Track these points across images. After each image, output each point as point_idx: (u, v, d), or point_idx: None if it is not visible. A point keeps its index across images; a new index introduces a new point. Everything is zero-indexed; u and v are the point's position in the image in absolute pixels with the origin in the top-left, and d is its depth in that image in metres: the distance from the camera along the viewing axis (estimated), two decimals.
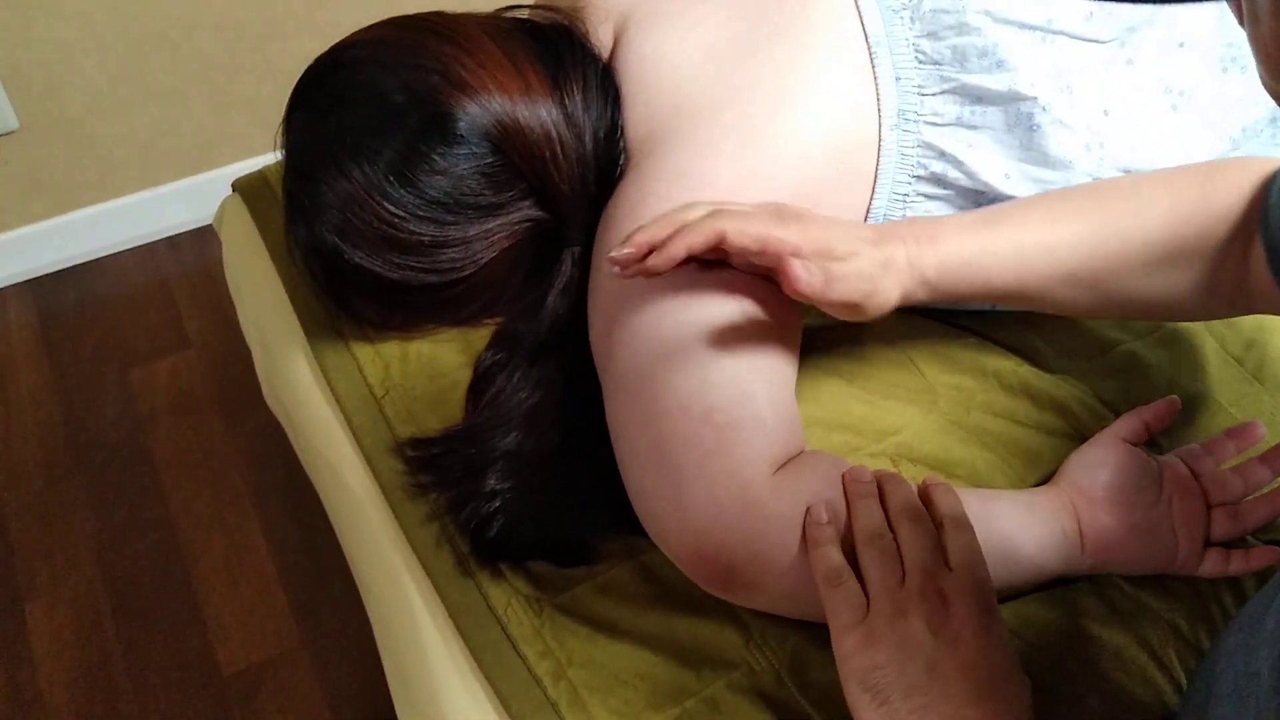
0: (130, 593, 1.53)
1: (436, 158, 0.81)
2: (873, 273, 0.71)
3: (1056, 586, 0.77)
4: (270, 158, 1.98)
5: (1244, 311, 0.77)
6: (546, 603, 0.78)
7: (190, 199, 2.00)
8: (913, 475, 0.81)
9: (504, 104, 0.83)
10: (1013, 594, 0.76)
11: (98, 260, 2.00)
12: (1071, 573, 0.77)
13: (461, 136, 0.81)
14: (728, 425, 0.71)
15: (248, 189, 1.09)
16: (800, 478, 0.72)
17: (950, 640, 0.63)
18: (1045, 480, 0.81)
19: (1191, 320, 0.89)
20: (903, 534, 0.69)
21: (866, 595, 0.67)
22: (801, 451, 0.75)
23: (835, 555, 0.68)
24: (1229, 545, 0.77)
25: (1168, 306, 0.76)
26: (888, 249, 0.72)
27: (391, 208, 0.81)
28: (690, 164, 0.80)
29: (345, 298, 0.90)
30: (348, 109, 0.83)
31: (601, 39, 0.89)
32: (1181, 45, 0.85)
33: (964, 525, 0.69)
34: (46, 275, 1.98)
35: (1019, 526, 0.74)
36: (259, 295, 1.02)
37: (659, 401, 0.73)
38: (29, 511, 1.64)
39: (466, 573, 0.80)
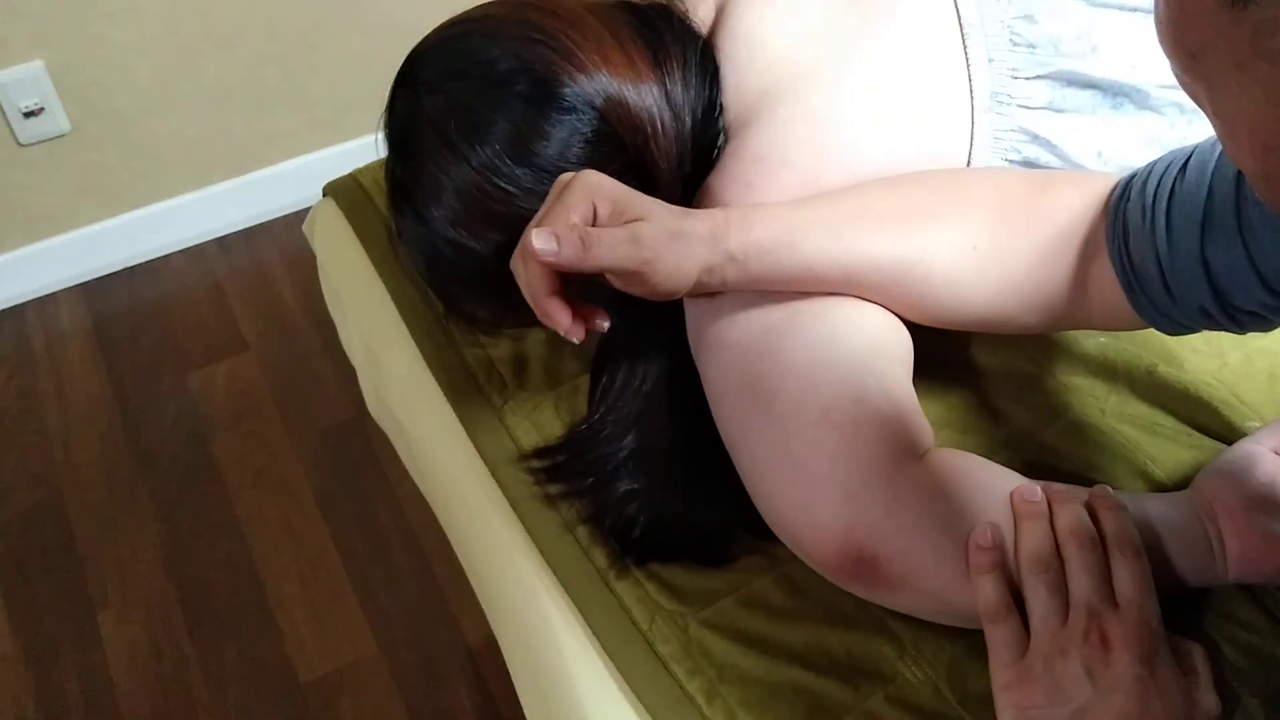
0: (202, 601, 1.52)
1: (548, 126, 0.79)
2: (654, 239, 0.70)
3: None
4: (320, 155, 1.98)
5: (1072, 326, 0.78)
6: (690, 617, 0.76)
7: (240, 199, 1.98)
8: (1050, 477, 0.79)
9: (609, 76, 0.81)
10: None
11: (149, 262, 1.99)
12: (1211, 584, 0.74)
13: (571, 105, 0.80)
14: (847, 423, 0.70)
15: (340, 193, 1.07)
16: (943, 474, 0.70)
17: (1108, 688, 0.62)
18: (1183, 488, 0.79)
19: (1017, 332, 0.84)
20: (1071, 564, 0.67)
21: (1027, 627, 0.65)
22: (934, 446, 0.74)
23: (999, 588, 0.67)
24: None
25: (983, 314, 0.76)
26: (688, 221, 0.72)
27: (504, 184, 0.79)
28: (767, 146, 0.79)
29: (454, 293, 0.88)
30: (454, 81, 0.81)
31: (702, 16, 0.88)
32: None
33: (1133, 551, 0.67)
34: (98, 278, 1.97)
35: (1168, 530, 0.72)
36: (362, 304, 1.00)
37: (771, 408, 0.72)
38: (93, 520, 1.62)
39: (606, 588, 0.78)
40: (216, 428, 1.73)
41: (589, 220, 0.72)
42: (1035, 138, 0.82)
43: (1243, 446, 0.77)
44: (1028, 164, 0.83)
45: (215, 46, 1.80)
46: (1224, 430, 0.83)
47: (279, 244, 2.00)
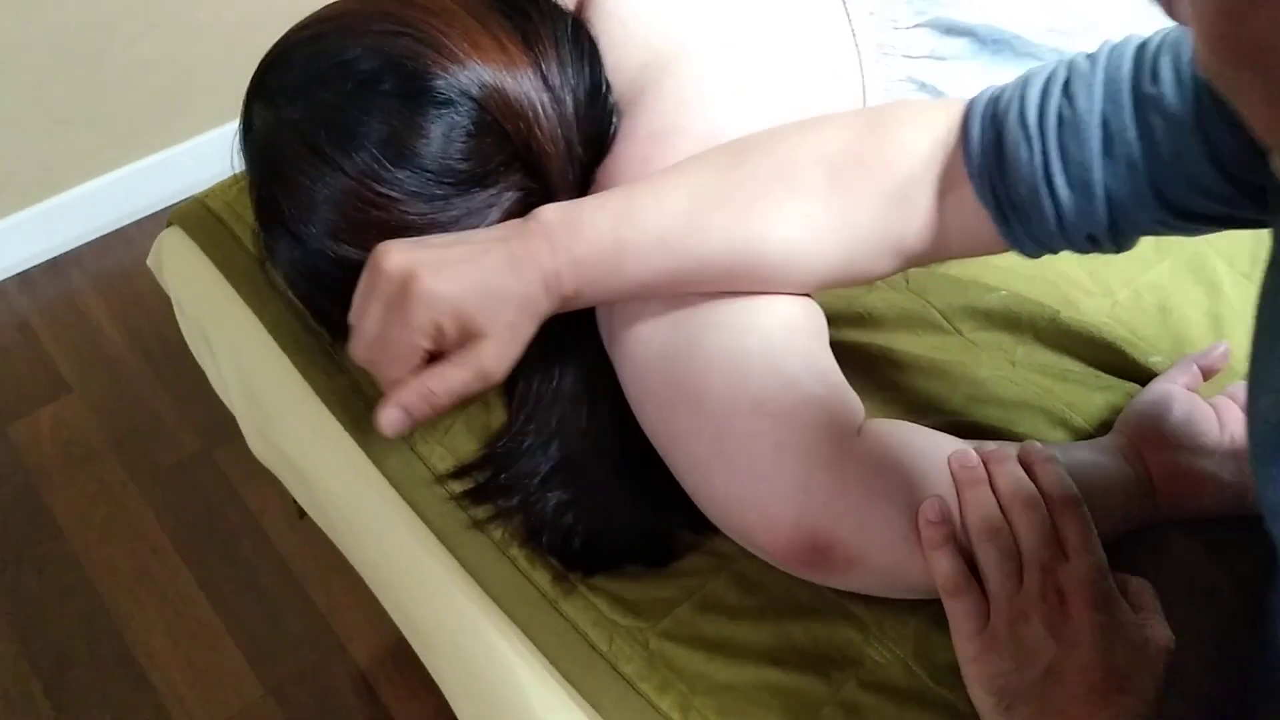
0: (63, 671, 1.40)
1: (425, 123, 0.74)
2: (499, 358, 0.70)
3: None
4: (122, 174, 1.84)
5: (928, 261, 0.76)
6: (650, 631, 0.73)
7: (38, 230, 1.83)
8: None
9: (480, 64, 0.77)
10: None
11: None
12: (1145, 524, 0.76)
13: (447, 97, 0.75)
14: (783, 412, 0.68)
15: (189, 221, 0.97)
16: (883, 446, 0.70)
17: (1069, 643, 0.63)
18: (1103, 432, 0.81)
19: (873, 279, 0.81)
20: (1018, 525, 0.67)
21: (985, 594, 0.66)
22: (868, 418, 0.73)
23: (953, 561, 0.67)
24: None
25: (834, 276, 0.74)
26: (521, 294, 0.70)
27: (384, 189, 0.74)
28: (659, 120, 0.77)
29: (337, 315, 0.81)
30: (317, 89, 0.75)
31: None
32: None
33: (1074, 501, 0.67)
34: None
35: (1104, 479, 0.74)
36: (233, 342, 0.92)
37: (700, 406, 0.70)
38: None
39: (556, 611, 0.74)
40: (48, 481, 1.60)
41: (436, 344, 0.70)
42: (922, 85, 0.82)
43: (1157, 386, 0.79)
44: None
45: None
46: (1130, 369, 0.85)
47: (89, 273, 1.85)
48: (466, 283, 0.68)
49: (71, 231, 1.87)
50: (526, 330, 0.71)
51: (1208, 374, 0.80)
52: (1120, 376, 0.85)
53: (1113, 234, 0.66)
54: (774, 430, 0.67)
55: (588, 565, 0.76)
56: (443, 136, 0.75)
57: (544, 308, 0.71)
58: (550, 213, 0.72)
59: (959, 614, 0.66)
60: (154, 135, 1.85)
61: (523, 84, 0.78)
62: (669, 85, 0.78)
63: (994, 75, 0.82)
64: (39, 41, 1.65)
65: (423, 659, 0.83)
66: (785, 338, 0.73)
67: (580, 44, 0.81)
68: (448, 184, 0.76)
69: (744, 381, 0.69)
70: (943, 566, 0.66)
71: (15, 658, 1.41)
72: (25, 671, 1.40)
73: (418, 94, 0.74)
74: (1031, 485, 0.69)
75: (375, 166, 0.73)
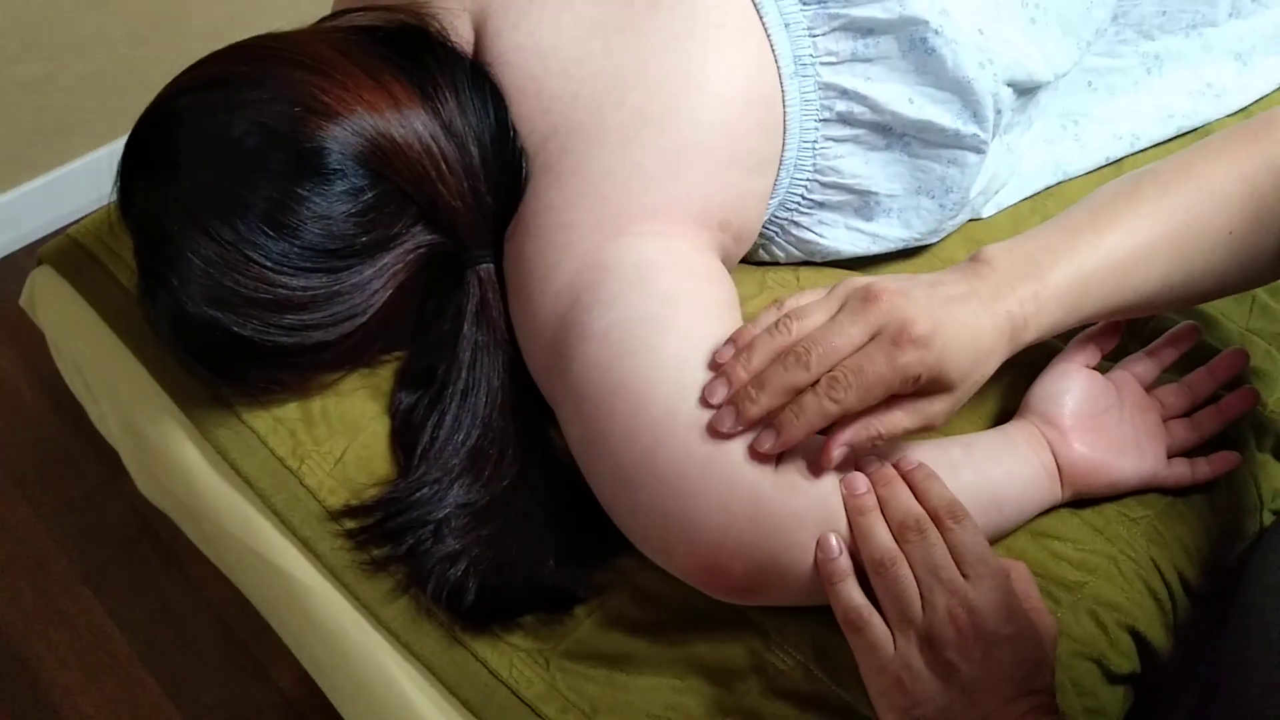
0: None
1: (315, 199, 0.73)
2: (951, 406, 0.67)
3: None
4: (10, 196, 1.78)
5: None
6: (551, 653, 0.73)
7: None
8: None
9: (375, 123, 0.74)
10: (1001, 537, 0.76)
11: None
12: (1051, 506, 0.77)
13: (337, 169, 0.73)
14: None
15: (59, 259, 0.94)
16: (803, 470, 0.68)
17: (981, 661, 0.63)
18: (1002, 412, 0.82)
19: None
20: (912, 554, 0.67)
21: (889, 626, 0.66)
22: None
23: (854, 595, 0.67)
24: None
25: (1255, 277, 0.72)
26: (986, 332, 0.65)
27: (273, 266, 0.73)
28: (612, 158, 0.75)
29: (229, 370, 0.80)
30: (201, 164, 0.73)
31: (461, 34, 0.81)
32: None
33: (961, 515, 0.68)
34: None
35: (1005, 470, 0.74)
36: (111, 380, 0.89)
37: (638, 414, 0.68)
38: None
39: (456, 641, 0.73)
40: None
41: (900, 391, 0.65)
42: (844, 92, 0.81)
43: (1055, 366, 0.80)
44: (842, 119, 0.82)
45: None
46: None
47: None
48: (961, 343, 0.64)
49: None
50: (982, 378, 0.67)
51: (1104, 350, 0.81)
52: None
53: None
54: (707, 446, 0.66)
55: (478, 621, 0.74)
56: (340, 213, 0.73)
57: (1002, 357, 0.67)
58: (1000, 257, 0.68)
59: (863, 648, 0.66)
60: (36, 159, 1.79)
61: (421, 136, 0.76)
62: (612, 121, 0.76)
63: (921, 73, 0.81)
64: None
65: (325, 691, 0.82)
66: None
67: (481, 87, 0.79)
68: (349, 256, 0.75)
69: (684, 392, 0.68)
70: (841, 599, 0.66)
71: None
72: None
73: (307, 170, 0.72)
74: (918, 509, 0.68)
75: (258, 238, 0.72)
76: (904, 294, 0.65)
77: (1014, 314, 0.66)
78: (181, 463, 0.84)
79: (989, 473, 0.74)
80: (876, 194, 0.85)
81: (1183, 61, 0.99)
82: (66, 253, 0.94)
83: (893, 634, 0.65)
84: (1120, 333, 0.81)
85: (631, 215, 0.74)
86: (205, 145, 0.73)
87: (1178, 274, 0.70)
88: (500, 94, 0.79)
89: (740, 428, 0.65)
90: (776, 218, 0.85)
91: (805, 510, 0.67)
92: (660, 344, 0.69)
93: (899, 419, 0.65)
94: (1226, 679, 0.65)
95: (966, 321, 0.64)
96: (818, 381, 0.64)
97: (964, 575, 0.65)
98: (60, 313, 0.94)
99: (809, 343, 0.64)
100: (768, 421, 0.65)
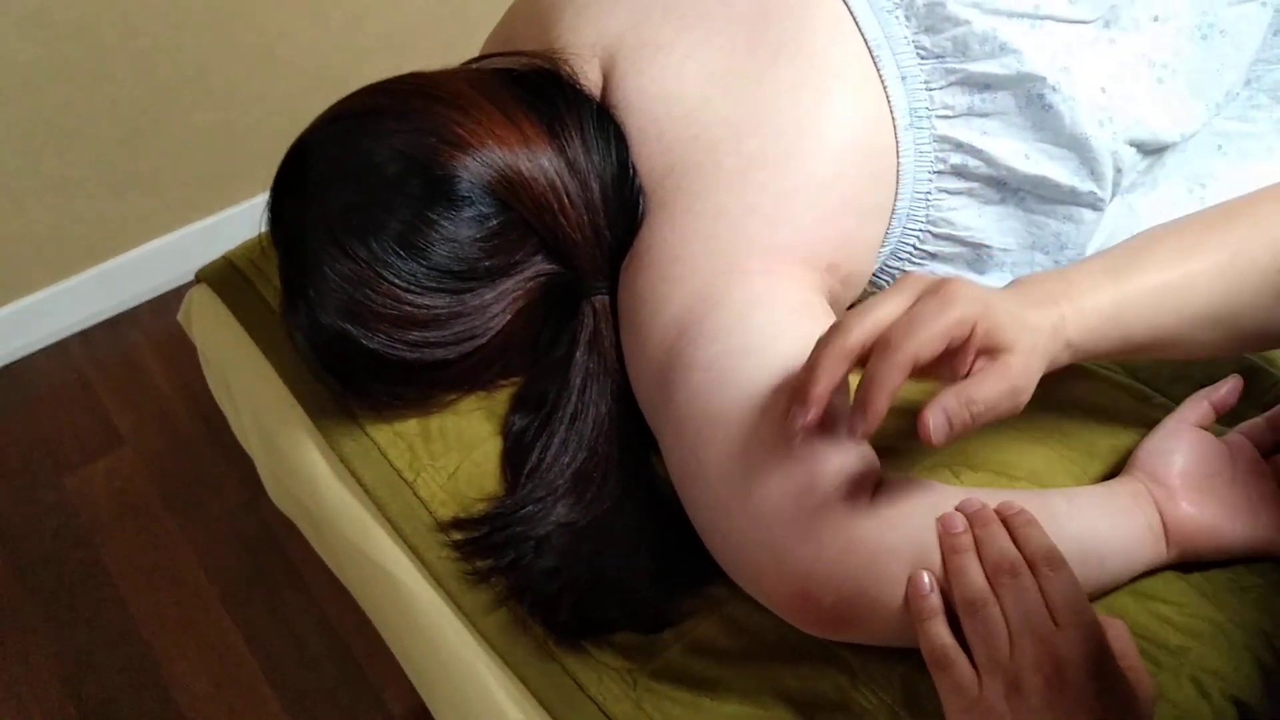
0: (106, 713, 1.44)
1: (445, 223, 0.77)
2: (1026, 373, 0.64)
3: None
4: (179, 235, 1.91)
5: None
6: (639, 673, 0.74)
7: (100, 289, 1.90)
8: (976, 483, 0.80)
9: (505, 157, 0.79)
10: (1102, 593, 0.74)
11: (8, 366, 1.88)
12: (1155, 566, 0.75)
13: (467, 197, 0.78)
14: (808, 458, 0.68)
15: (214, 278, 1.02)
16: (898, 506, 0.69)
17: (1068, 709, 0.62)
18: (1109, 473, 0.80)
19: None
20: (1005, 598, 0.66)
21: (976, 668, 0.65)
22: (884, 476, 0.72)
23: (942, 633, 0.66)
24: None
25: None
26: (1037, 327, 0.65)
27: (402, 284, 0.77)
28: (726, 198, 0.77)
29: (356, 382, 0.85)
30: (344, 186, 0.79)
31: (590, 78, 0.86)
32: (1156, 19, 0.86)
33: (1059, 563, 0.67)
34: None
35: (1109, 525, 0.73)
36: (252, 391, 0.96)
37: (734, 444, 0.70)
38: None
39: (548, 655, 0.75)
40: (102, 531, 1.65)
41: (955, 344, 0.63)
42: (959, 145, 0.82)
43: (1167, 424, 0.79)
44: (956, 172, 0.83)
45: (58, 135, 1.72)
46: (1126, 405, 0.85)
47: (146, 331, 1.92)
48: (1005, 308, 0.64)
49: (133, 290, 1.94)
50: (1038, 364, 0.65)
51: (1219, 410, 0.79)
52: (1124, 414, 0.85)
53: None
54: (796, 477, 0.67)
55: (571, 635, 0.76)
56: (467, 238, 0.78)
57: (1052, 348, 0.67)
58: (1038, 278, 0.69)
59: (948, 687, 0.65)
60: (210, 199, 1.92)
61: (547, 172, 0.80)
62: (729, 164, 0.78)
63: (1039, 128, 0.82)
64: (102, 111, 1.73)
65: (424, 698, 0.85)
66: None
67: (605, 128, 0.83)
68: (473, 279, 0.79)
69: (774, 420, 0.69)
70: (930, 638, 0.66)
71: (62, 701, 1.45)
72: (71, 715, 1.44)
73: (440, 197, 0.77)
74: (1015, 552, 0.68)
75: (391, 258, 0.77)
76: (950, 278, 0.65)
77: (1057, 305, 0.66)
78: (309, 470, 0.89)
79: (1092, 525, 0.73)
80: (990, 247, 0.85)
81: None
82: (222, 273, 1.02)
83: (980, 677, 0.65)
84: (1237, 395, 0.79)
85: (741, 253, 0.76)
86: (348, 169, 0.79)
87: (1222, 305, 0.69)
88: (623, 135, 0.83)
89: (812, 411, 0.63)
90: (888, 266, 0.86)
91: (898, 545, 0.67)
92: (758, 376, 0.71)
93: (990, 383, 0.62)
94: None
95: (1004, 295, 0.65)
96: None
97: (1056, 624, 0.64)
98: (211, 327, 1.01)
99: (865, 313, 0.64)
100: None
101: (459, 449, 0.86)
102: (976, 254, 0.86)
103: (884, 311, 0.63)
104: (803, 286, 0.77)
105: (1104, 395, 0.86)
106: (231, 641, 1.51)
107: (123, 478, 1.71)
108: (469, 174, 0.78)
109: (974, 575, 0.67)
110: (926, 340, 0.61)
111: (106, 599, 1.56)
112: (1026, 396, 0.64)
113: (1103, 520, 0.73)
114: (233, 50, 1.79)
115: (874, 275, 0.87)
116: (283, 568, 1.58)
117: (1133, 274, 0.69)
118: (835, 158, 0.79)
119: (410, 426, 0.87)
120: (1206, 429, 0.78)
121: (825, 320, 0.77)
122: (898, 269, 0.87)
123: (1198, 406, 0.78)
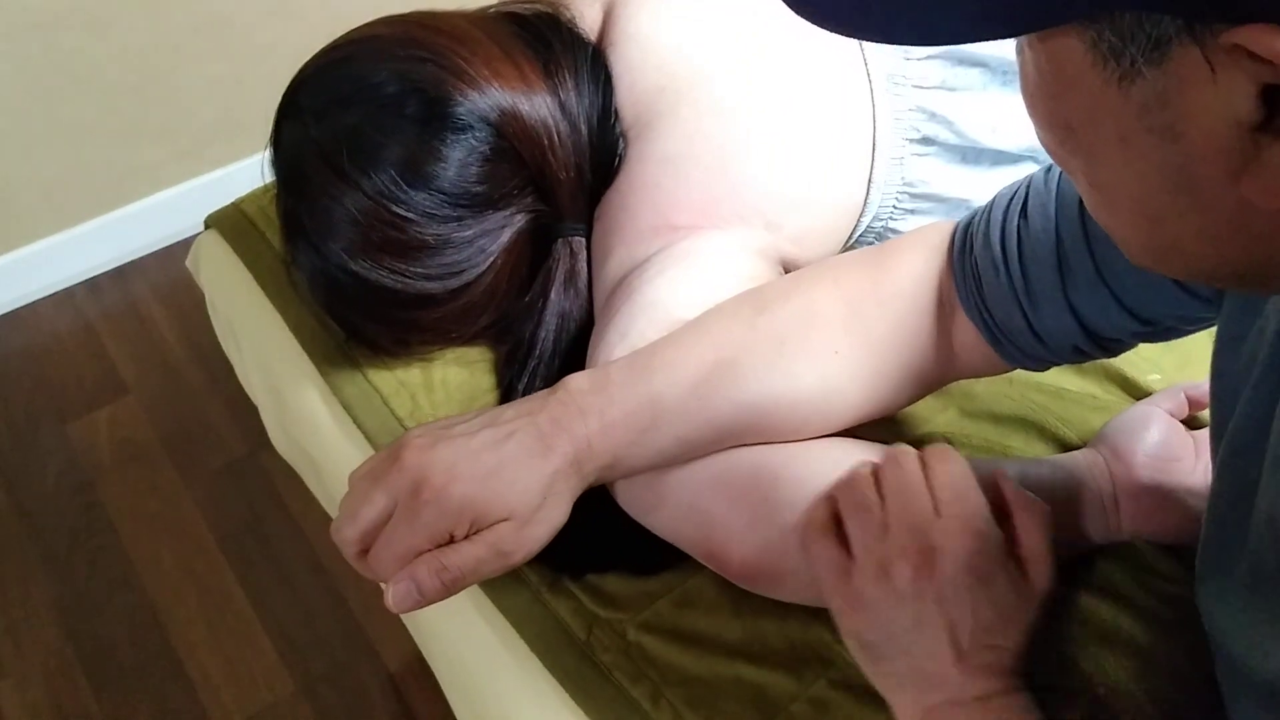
0: (105, 658, 1.46)
1: (443, 147, 0.78)
2: (519, 539, 0.70)
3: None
4: (187, 186, 1.92)
5: (942, 385, 0.77)
6: (629, 623, 0.76)
7: (106, 237, 1.91)
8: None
9: (501, 89, 0.81)
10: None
11: (14, 311, 1.90)
12: (1106, 541, 0.76)
13: (464, 121, 0.79)
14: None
15: (224, 224, 1.03)
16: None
17: (936, 597, 0.60)
18: None
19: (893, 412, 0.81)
20: (885, 482, 0.65)
21: (848, 550, 0.64)
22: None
23: (817, 516, 0.66)
24: None
25: (864, 411, 0.75)
26: (549, 476, 0.70)
27: (401, 210, 0.78)
28: (673, 145, 0.80)
29: (355, 322, 0.86)
30: (341, 109, 0.80)
31: (590, 20, 0.88)
32: None
33: (948, 455, 0.65)
34: None
35: (1058, 488, 0.73)
36: (258, 338, 0.97)
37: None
38: None
39: (540, 602, 0.77)
40: (103, 477, 1.67)
41: (441, 543, 0.68)
42: (933, 115, 0.84)
43: (1141, 406, 0.79)
44: (927, 141, 0.84)
45: (68, 82, 1.73)
46: (1129, 387, 0.86)
47: (152, 281, 1.93)
48: (482, 478, 0.68)
49: (140, 240, 1.95)
50: (556, 511, 0.71)
51: (1195, 406, 0.80)
52: (1121, 390, 0.86)
53: (1097, 344, 0.67)
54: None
55: (576, 568, 0.78)
56: (459, 160, 0.79)
57: (575, 484, 0.71)
58: (579, 380, 0.73)
59: (821, 563, 0.64)
60: (218, 150, 1.93)
61: (540, 110, 0.81)
62: (685, 113, 0.81)
63: (1004, 104, 0.84)
64: (112, 60, 1.74)
65: (419, 645, 0.86)
66: None
67: (597, 72, 0.85)
68: (463, 206, 0.79)
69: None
70: (806, 517, 0.66)
71: (62, 643, 1.47)
72: (70, 657, 1.46)
73: (438, 119, 0.78)
74: (906, 449, 0.67)
75: (393, 188, 0.77)
76: (423, 452, 0.69)
77: (577, 437, 0.70)
78: (312, 417, 0.91)
79: (1037, 484, 0.72)
80: (970, 201, 0.87)
81: None
82: (230, 217, 1.03)
83: (852, 559, 0.63)
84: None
85: (677, 205, 0.80)
86: (347, 90, 0.80)
87: (781, 387, 0.72)
88: (610, 79, 0.85)
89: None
90: (872, 227, 0.88)
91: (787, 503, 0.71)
92: (649, 333, 0.76)
93: (467, 549, 0.68)
94: None
95: (504, 455, 0.69)
96: None
97: (938, 514, 0.63)
98: (219, 273, 1.02)
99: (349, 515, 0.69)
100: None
101: (460, 401, 0.87)
102: (958, 209, 0.87)
103: (361, 510, 0.69)
104: (730, 239, 0.80)
105: (1094, 370, 0.87)
106: (230, 590, 1.53)
107: (125, 425, 1.73)
108: (467, 101, 0.79)
109: (866, 491, 0.65)
110: (391, 565, 0.68)
111: (106, 545, 1.58)
112: (523, 555, 0.70)
113: (1051, 479, 0.74)
114: (246, 1, 1.79)
115: (860, 235, 0.88)
116: (281, 518, 1.59)
117: (671, 370, 0.72)
118: (798, 115, 0.81)
119: (414, 376, 0.89)
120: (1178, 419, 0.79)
121: (748, 270, 0.80)
122: (881, 227, 0.89)
123: (1174, 396, 0.79)
